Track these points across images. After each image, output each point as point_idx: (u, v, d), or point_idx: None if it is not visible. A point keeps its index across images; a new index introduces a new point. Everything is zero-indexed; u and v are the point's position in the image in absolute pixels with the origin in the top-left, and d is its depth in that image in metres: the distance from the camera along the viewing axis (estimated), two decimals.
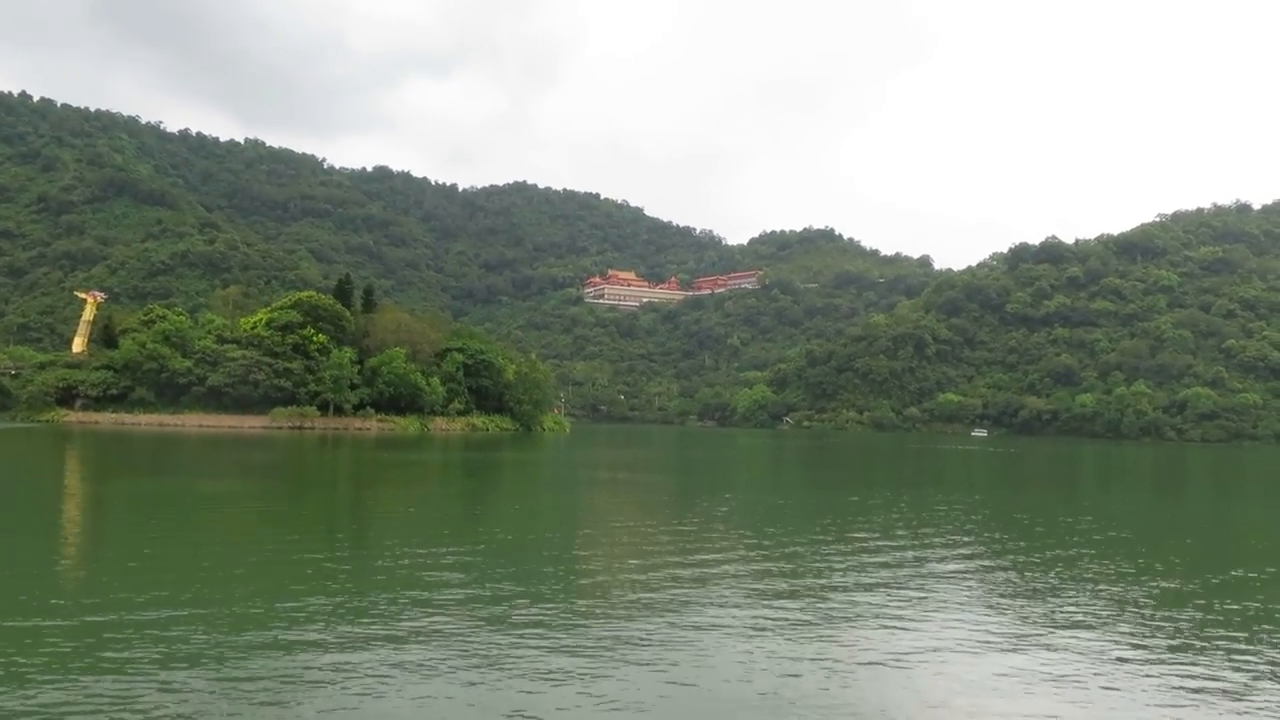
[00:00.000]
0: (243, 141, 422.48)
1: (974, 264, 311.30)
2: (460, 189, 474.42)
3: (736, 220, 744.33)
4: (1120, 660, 14.71)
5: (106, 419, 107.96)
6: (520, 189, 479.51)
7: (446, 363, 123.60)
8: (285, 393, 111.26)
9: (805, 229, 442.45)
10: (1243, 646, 15.77)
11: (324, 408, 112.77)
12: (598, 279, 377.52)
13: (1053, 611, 18.26)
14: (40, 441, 74.40)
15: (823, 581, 20.69)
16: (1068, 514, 39.17)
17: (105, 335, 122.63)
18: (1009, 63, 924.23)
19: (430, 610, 16.46)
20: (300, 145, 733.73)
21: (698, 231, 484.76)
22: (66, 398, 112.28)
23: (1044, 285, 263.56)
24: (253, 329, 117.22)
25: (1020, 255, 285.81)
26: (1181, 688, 13.32)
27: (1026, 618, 17.67)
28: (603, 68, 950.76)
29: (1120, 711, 12.31)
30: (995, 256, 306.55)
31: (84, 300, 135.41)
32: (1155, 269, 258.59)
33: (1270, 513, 48.87)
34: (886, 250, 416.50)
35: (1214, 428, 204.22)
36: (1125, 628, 17.02)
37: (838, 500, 43.98)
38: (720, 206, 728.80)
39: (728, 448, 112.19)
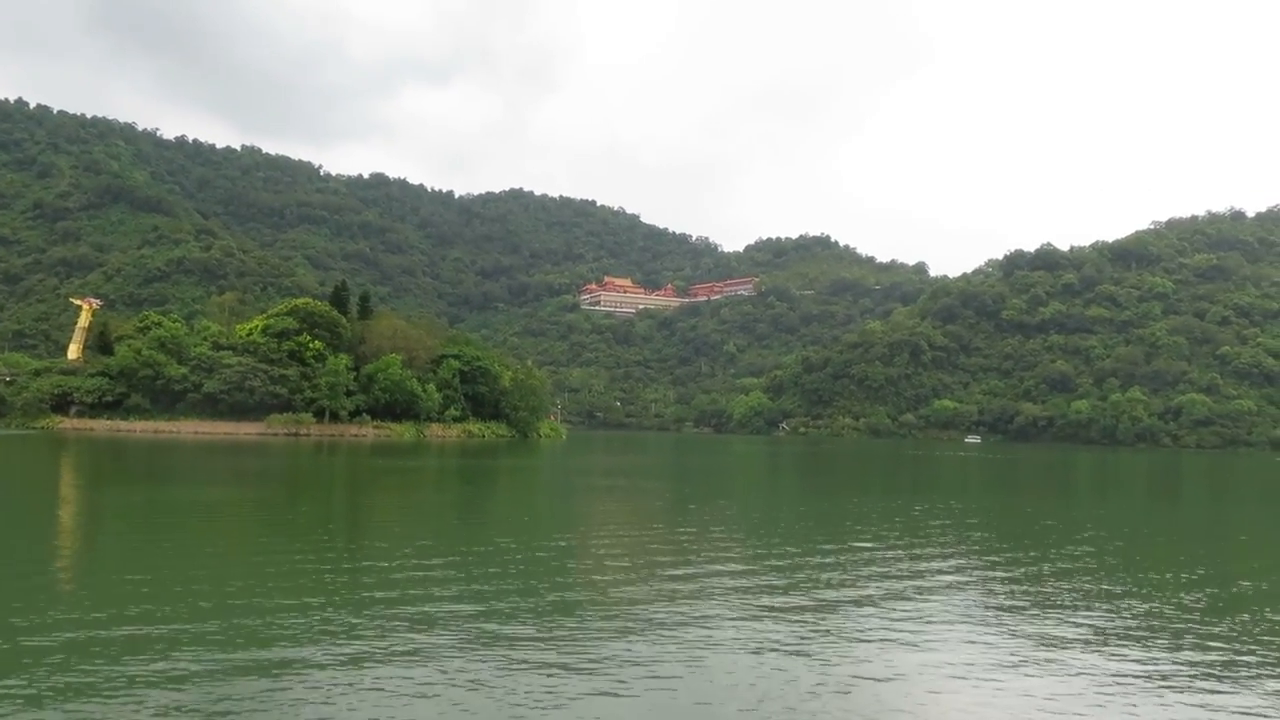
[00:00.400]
0: (239, 149, 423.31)
1: (969, 271, 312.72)
2: (457, 196, 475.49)
3: (732, 227, 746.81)
4: (1120, 674, 14.72)
5: (102, 426, 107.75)
6: (517, 196, 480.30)
7: (442, 369, 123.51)
8: (281, 399, 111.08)
9: (801, 236, 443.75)
10: (1247, 659, 15.79)
11: (320, 414, 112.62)
12: (594, 286, 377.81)
13: (1052, 623, 18.24)
14: (35, 449, 74.17)
15: (821, 590, 20.69)
16: (1063, 521, 39.22)
17: (101, 342, 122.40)
18: (1004, 71, 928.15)
19: (426, 620, 16.42)
20: (297, 152, 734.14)
21: (694, 238, 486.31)
22: (62, 405, 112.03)
23: (1039, 292, 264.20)
24: (248, 336, 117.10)
25: (1015, 262, 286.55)
26: (1185, 703, 13.35)
27: (1026, 630, 17.64)
28: (599, 75, 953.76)
29: None
30: (991, 263, 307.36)
31: (79, 307, 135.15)
32: (1150, 276, 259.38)
33: (1270, 520, 48.91)
34: (882, 257, 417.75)
35: (1209, 434, 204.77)
36: (1128, 642, 17.01)
37: (834, 507, 44.00)
38: (716, 214, 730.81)
39: (724, 454, 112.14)
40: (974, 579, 22.75)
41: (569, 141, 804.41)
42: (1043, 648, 15.81)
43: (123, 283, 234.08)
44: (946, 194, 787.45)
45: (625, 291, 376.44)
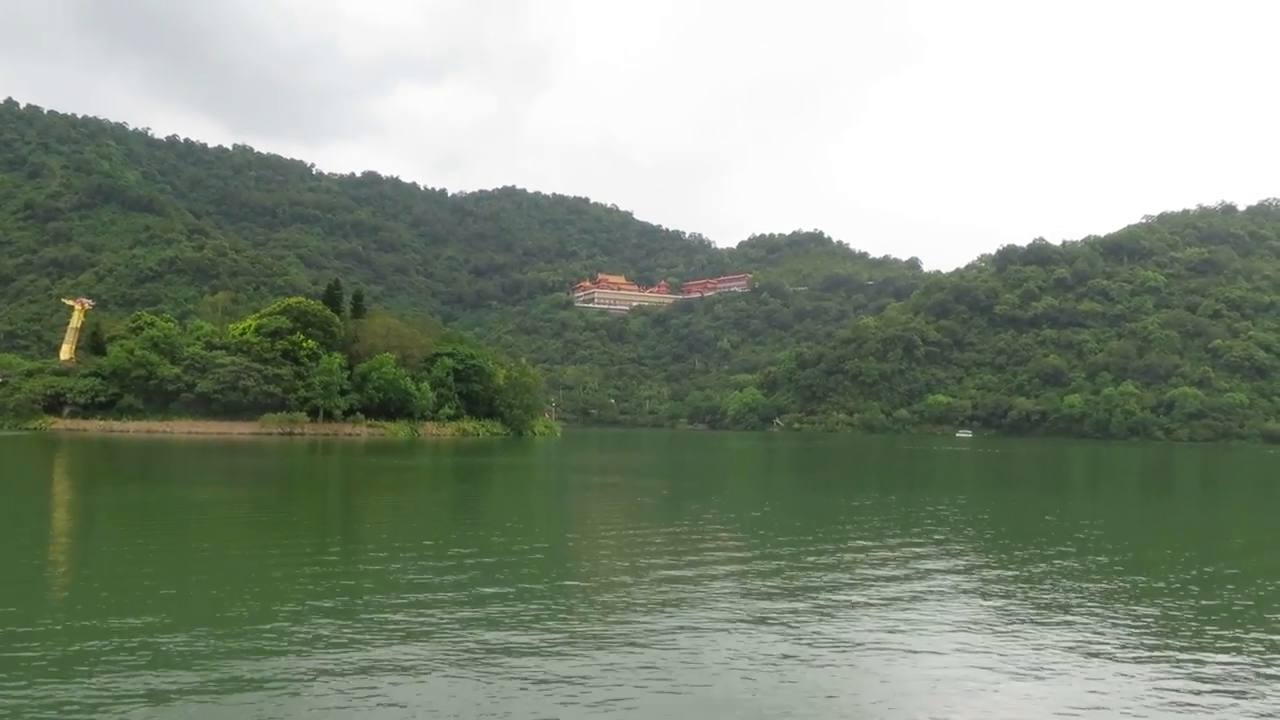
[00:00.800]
0: (231, 148, 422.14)
1: (962, 266, 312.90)
2: (450, 194, 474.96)
3: (725, 224, 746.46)
4: (1121, 671, 14.79)
5: (95, 426, 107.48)
6: (510, 194, 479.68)
7: (436, 368, 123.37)
8: (275, 399, 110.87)
9: (794, 232, 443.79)
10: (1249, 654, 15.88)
11: (314, 413, 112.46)
12: (587, 283, 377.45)
13: (1049, 619, 18.31)
14: (28, 450, 73.98)
15: (818, 589, 20.71)
16: (1059, 516, 39.36)
17: (93, 342, 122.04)
18: (994, 67, 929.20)
19: (421, 620, 16.42)
20: (289, 151, 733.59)
21: (687, 235, 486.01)
22: (54, 405, 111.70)
23: (1032, 287, 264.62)
24: (241, 335, 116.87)
25: (1008, 257, 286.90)
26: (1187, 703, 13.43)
27: (1026, 628, 17.67)
28: (592, 73, 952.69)
29: None
30: (983, 258, 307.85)
31: (72, 307, 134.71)
32: (1142, 270, 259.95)
33: (1265, 513, 49.15)
34: (875, 253, 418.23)
35: (1201, 427, 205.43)
36: (1133, 643, 17.09)
37: (829, 504, 44.12)
38: (709, 210, 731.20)
39: (718, 451, 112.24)
40: (971, 577, 22.82)
41: (562, 139, 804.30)
42: (1044, 647, 15.87)
43: (115, 283, 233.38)
44: (939, 189, 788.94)
45: (619, 289, 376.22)
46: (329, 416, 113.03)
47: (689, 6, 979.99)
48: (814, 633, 16.04)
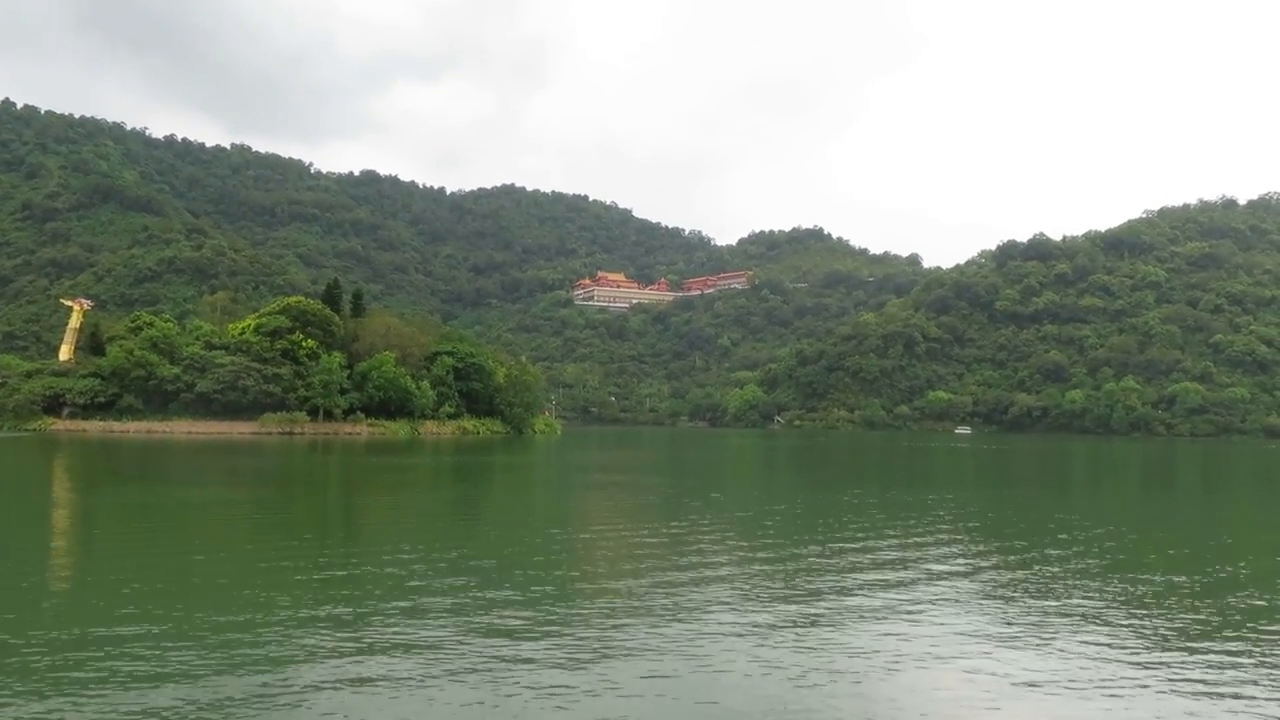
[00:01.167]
0: (229, 147, 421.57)
1: (962, 262, 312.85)
2: (448, 192, 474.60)
3: (725, 221, 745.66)
4: (1125, 672, 14.58)
5: (94, 427, 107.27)
6: (509, 192, 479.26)
7: (436, 366, 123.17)
8: (274, 398, 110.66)
9: (794, 229, 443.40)
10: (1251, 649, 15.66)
11: (314, 413, 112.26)
12: (587, 281, 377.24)
13: (1055, 617, 18.14)
14: (27, 451, 73.78)
15: (820, 587, 20.57)
16: (1061, 512, 39.16)
17: (92, 343, 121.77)
18: (994, 63, 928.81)
19: (423, 623, 16.23)
20: (287, 150, 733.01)
21: (687, 232, 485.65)
22: (54, 406, 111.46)
23: (1032, 282, 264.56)
24: (241, 335, 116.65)
25: (1008, 253, 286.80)
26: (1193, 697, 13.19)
27: (1028, 627, 17.53)
28: (591, 70, 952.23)
29: None
30: (984, 254, 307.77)
31: (70, 308, 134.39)
32: (1143, 265, 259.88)
33: (1271, 510, 48.96)
34: (875, 249, 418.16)
35: (1203, 422, 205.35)
36: (1131, 640, 16.87)
37: (830, 501, 43.88)
38: (709, 207, 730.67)
39: (720, 448, 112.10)
40: (975, 577, 22.63)
41: (561, 136, 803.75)
42: (1046, 646, 15.67)
43: (113, 283, 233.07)
44: (939, 185, 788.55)
45: (619, 286, 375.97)
46: (329, 416, 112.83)
47: (688, 3, 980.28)
48: (818, 635, 15.87)
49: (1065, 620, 17.22)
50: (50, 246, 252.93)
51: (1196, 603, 19.10)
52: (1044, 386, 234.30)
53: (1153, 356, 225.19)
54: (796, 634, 15.72)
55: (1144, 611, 18.10)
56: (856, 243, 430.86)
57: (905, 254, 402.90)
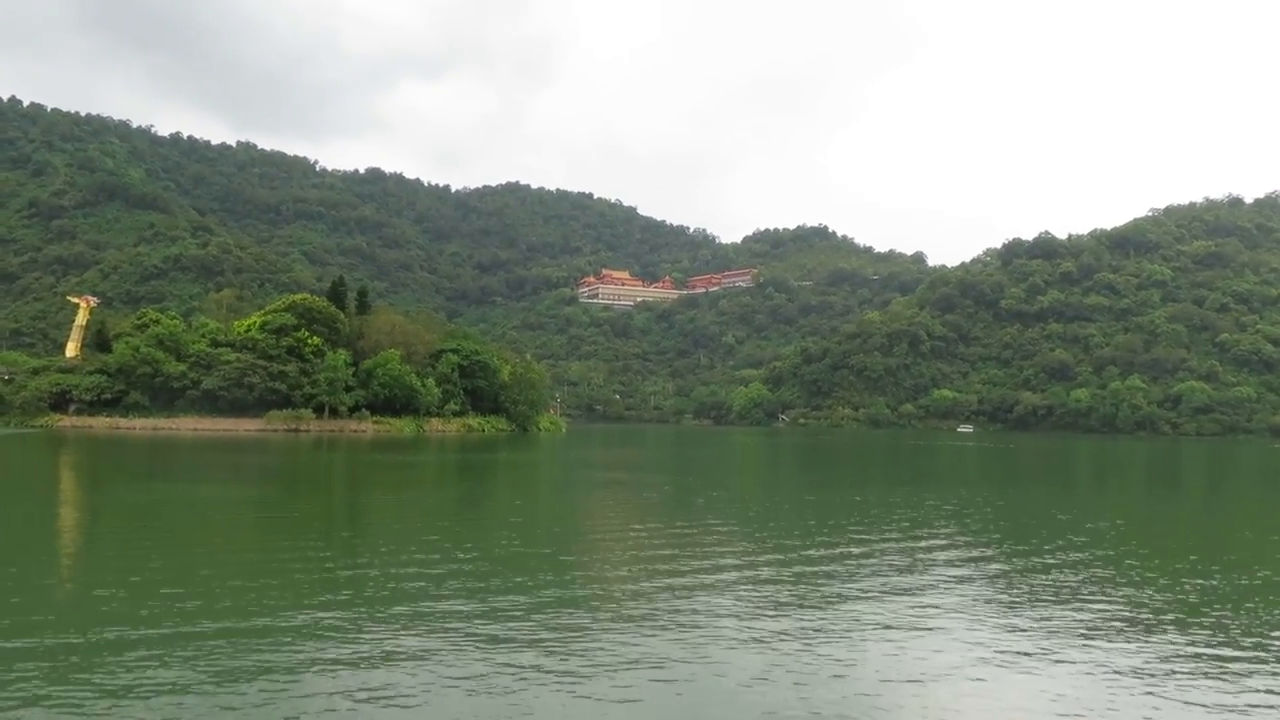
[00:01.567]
0: (234, 145, 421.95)
1: (968, 260, 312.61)
2: (453, 190, 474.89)
3: (730, 219, 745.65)
4: (1131, 671, 14.60)
5: (101, 423, 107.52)
6: (513, 189, 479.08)
7: (441, 364, 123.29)
8: (280, 395, 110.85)
9: (799, 227, 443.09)
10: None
11: (319, 410, 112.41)
12: (592, 279, 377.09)
13: (1063, 621, 18.14)
14: (35, 447, 74.00)
15: (825, 586, 20.62)
16: (1066, 512, 39.12)
17: (99, 340, 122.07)
18: (998, 59, 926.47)
19: (427, 623, 16.30)
20: (292, 148, 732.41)
21: (691, 230, 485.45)
22: (60, 403, 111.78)
23: (1038, 281, 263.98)
24: (246, 332, 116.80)
25: (1014, 251, 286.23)
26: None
27: (1033, 626, 17.54)
28: (595, 68, 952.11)
29: None
30: (989, 252, 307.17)
31: (77, 305, 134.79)
32: (1149, 263, 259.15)
33: (1277, 508, 48.87)
34: (880, 247, 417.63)
35: (1208, 421, 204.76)
36: (1147, 638, 16.89)
37: (835, 499, 43.87)
38: (713, 205, 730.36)
39: (724, 447, 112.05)
40: (977, 574, 22.66)
41: (565, 134, 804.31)
42: (1051, 647, 15.71)
43: (119, 280, 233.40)
44: (943, 183, 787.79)
45: (623, 284, 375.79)
46: (334, 413, 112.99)
47: (690, 1, 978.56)
48: (824, 637, 15.90)
49: (1074, 625, 17.23)
50: (56, 244, 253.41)
51: (1207, 599, 19.12)
52: (1049, 385, 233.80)
53: (1158, 355, 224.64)
54: (802, 636, 15.76)
55: (1153, 608, 18.13)
56: (861, 241, 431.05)
57: (910, 252, 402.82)
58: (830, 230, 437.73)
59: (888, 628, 16.21)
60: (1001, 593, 19.89)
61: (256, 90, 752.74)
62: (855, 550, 25.24)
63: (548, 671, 13.19)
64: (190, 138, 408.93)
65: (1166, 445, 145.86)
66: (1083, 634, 16.11)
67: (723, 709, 12.01)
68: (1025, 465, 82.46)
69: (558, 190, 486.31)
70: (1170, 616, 17.68)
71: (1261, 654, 14.98)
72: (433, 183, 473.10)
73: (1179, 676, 13.65)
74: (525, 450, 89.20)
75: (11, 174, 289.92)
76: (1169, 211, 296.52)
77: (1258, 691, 13.01)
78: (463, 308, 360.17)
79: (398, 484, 49.07)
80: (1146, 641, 15.71)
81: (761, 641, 15.11)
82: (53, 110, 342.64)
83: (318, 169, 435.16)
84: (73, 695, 11.75)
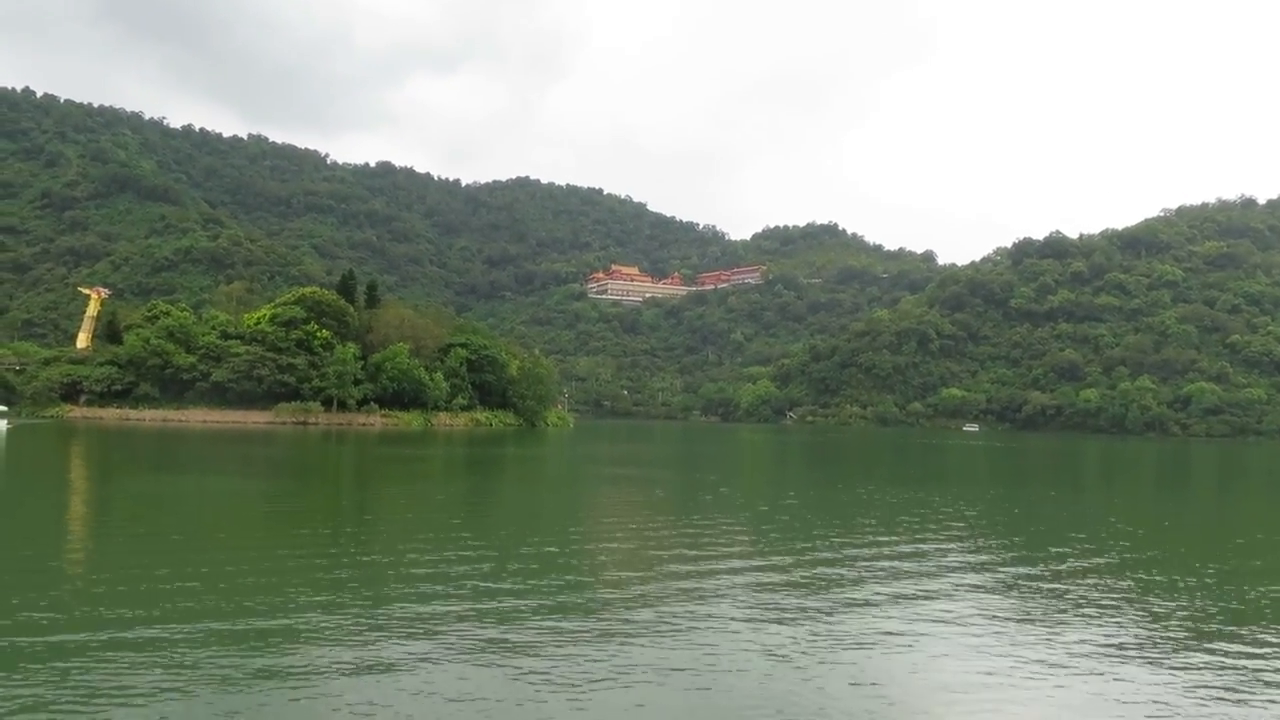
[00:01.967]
0: (246, 138, 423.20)
1: (978, 259, 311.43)
2: (463, 185, 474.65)
3: (740, 215, 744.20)
4: (1135, 674, 14.58)
5: (111, 414, 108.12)
6: (523, 184, 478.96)
7: (450, 358, 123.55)
8: (289, 388, 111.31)
9: (809, 224, 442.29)
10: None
11: (328, 403, 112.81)
12: (601, 274, 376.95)
13: (1071, 619, 18.14)
14: (46, 437, 74.44)
15: (833, 585, 20.61)
16: (1074, 511, 39.04)
17: (109, 331, 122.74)
18: (1011, 58, 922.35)
19: (434, 616, 16.36)
20: (303, 141, 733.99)
21: (701, 227, 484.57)
22: (71, 393, 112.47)
23: (1048, 280, 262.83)
24: (256, 325, 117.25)
25: (1024, 250, 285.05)
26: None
27: (1039, 627, 17.52)
28: (606, 64, 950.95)
29: None
30: (999, 252, 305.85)
31: (88, 296, 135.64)
32: (1160, 264, 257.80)
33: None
34: (890, 246, 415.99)
35: (1218, 423, 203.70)
36: (1144, 643, 16.85)
37: (843, 498, 43.86)
38: (723, 202, 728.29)
39: (732, 444, 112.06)
40: (984, 574, 22.64)
41: (576, 130, 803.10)
42: (1057, 646, 15.69)
43: (130, 272, 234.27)
44: (954, 182, 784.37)
45: (632, 280, 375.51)
46: (343, 406, 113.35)
47: None
48: (831, 634, 15.90)
49: (1080, 624, 17.22)
50: (68, 235, 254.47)
51: (1218, 602, 19.08)
52: (1058, 385, 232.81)
53: (1168, 356, 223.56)
54: (810, 633, 15.77)
55: (1162, 610, 18.09)
56: (871, 239, 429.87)
57: (920, 250, 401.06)
58: (840, 228, 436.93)
59: (897, 623, 16.23)
60: (1013, 597, 19.85)
61: (269, 83, 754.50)
62: (863, 549, 25.24)
63: (554, 668, 13.22)
64: (202, 130, 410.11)
65: (1176, 446, 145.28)
66: (1099, 645, 16.01)
67: (734, 711, 11.91)
68: (1033, 465, 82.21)
69: (568, 185, 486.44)
70: (1189, 629, 17.60)
71: None
72: (443, 177, 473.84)
73: (1198, 694, 13.62)
74: (533, 445, 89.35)
75: (25, 165, 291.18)
76: (1181, 212, 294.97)
77: None
78: (471, 302, 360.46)
79: (406, 478, 49.22)
80: (1165, 655, 15.65)
81: (770, 637, 15.13)
82: (66, 101, 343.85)
83: (328, 162, 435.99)
84: (74, 683, 11.85)
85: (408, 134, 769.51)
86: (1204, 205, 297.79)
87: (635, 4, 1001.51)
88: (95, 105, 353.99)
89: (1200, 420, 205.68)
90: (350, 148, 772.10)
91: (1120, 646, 15.37)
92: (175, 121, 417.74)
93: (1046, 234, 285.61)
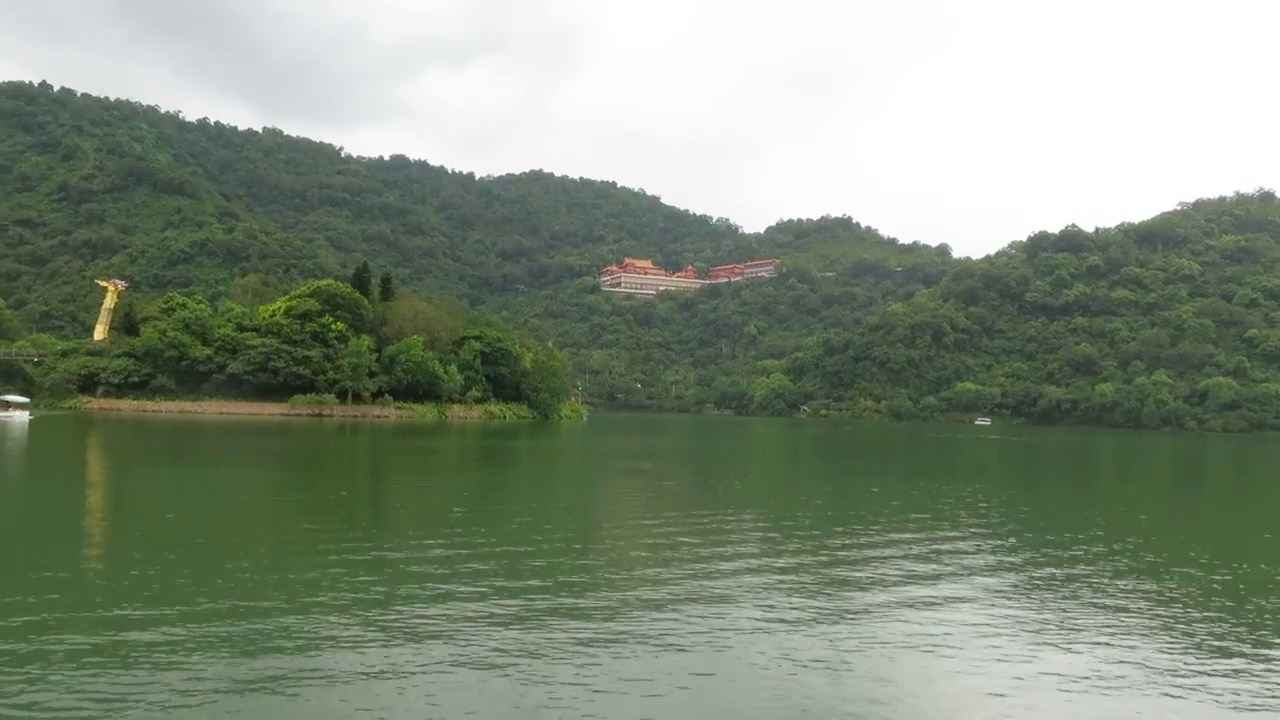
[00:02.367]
0: (261, 131, 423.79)
1: (992, 253, 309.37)
2: (477, 178, 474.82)
3: (753, 209, 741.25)
4: (1140, 677, 14.51)
5: (128, 406, 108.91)
6: (537, 178, 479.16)
7: (464, 351, 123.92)
8: (304, 380, 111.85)
9: (822, 218, 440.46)
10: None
11: (342, 395, 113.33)
12: (614, 267, 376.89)
13: (1087, 617, 18.08)
14: (64, 429, 75.01)
15: (847, 583, 20.61)
16: (1089, 507, 38.87)
17: (126, 323, 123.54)
18: (1027, 51, 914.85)
19: (448, 609, 16.41)
20: (318, 135, 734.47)
21: (714, 220, 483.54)
22: (88, 385, 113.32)
23: (1063, 274, 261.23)
24: (271, 317, 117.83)
25: (1039, 244, 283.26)
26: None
27: (1049, 629, 17.48)
28: (620, 57, 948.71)
29: None
30: (1014, 245, 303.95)
31: (105, 288, 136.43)
32: (1176, 258, 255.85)
33: None
34: (904, 239, 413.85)
35: (1235, 418, 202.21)
36: (1154, 642, 16.76)
37: (857, 492, 43.80)
38: (737, 195, 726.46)
39: (746, 437, 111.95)
40: (1002, 573, 22.58)
41: (590, 123, 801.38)
42: (1077, 647, 15.65)
43: (147, 264, 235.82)
44: (969, 175, 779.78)
45: (646, 273, 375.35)
46: (357, 398, 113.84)
47: None
48: (846, 631, 15.91)
49: (1097, 622, 17.16)
50: (85, 228, 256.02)
51: (1234, 604, 18.99)
52: (1074, 379, 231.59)
53: (1185, 350, 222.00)
54: (825, 630, 15.76)
55: (1181, 613, 18.01)
56: (885, 232, 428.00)
57: (934, 244, 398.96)
58: (854, 221, 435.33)
59: (911, 620, 16.21)
60: (1029, 596, 19.79)
61: (284, 77, 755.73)
62: (878, 543, 25.20)
63: (569, 664, 13.26)
64: (217, 123, 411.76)
65: (1193, 441, 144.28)
66: (1116, 640, 15.99)
67: (748, 711, 11.88)
68: (1048, 459, 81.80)
69: (581, 179, 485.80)
70: (1214, 643, 17.53)
71: None
72: (457, 170, 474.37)
73: (1216, 707, 13.57)
74: (547, 437, 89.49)
75: (42, 158, 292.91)
76: (1198, 205, 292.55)
77: None
78: (485, 295, 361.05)
79: (420, 469, 49.39)
80: (1192, 664, 15.61)
81: (785, 634, 15.16)
82: (82, 95, 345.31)
83: (343, 155, 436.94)
84: (91, 671, 11.96)
85: (422, 127, 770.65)
86: (1221, 199, 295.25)
87: None
88: (112, 99, 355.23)
89: (1217, 415, 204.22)
90: (365, 141, 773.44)
91: (1144, 649, 15.32)
92: (191, 115, 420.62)
93: (1062, 227, 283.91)
